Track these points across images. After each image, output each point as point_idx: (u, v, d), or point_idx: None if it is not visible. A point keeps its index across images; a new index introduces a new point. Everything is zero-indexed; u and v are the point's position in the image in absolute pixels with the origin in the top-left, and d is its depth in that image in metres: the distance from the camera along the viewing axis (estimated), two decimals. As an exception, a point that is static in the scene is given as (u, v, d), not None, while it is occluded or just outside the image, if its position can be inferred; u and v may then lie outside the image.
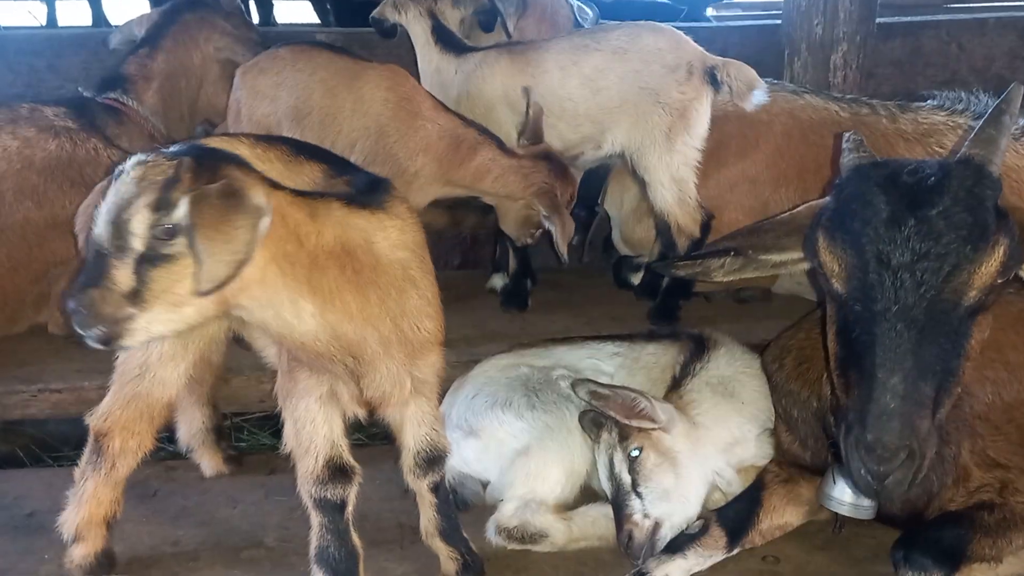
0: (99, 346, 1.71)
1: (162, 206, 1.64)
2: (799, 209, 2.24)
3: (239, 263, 1.63)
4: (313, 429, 2.02)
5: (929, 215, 1.85)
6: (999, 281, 1.89)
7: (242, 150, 2.11)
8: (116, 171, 1.72)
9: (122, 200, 1.66)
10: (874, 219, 1.88)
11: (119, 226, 1.65)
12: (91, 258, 1.71)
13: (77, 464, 2.89)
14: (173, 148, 1.78)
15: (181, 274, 1.66)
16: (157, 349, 2.17)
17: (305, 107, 3.15)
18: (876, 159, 2.07)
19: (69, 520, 2.26)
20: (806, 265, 2.18)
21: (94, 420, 2.25)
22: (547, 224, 3.22)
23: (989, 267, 1.85)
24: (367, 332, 1.92)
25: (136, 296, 1.65)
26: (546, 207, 3.13)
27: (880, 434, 1.77)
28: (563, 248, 3.18)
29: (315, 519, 2.07)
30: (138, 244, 1.65)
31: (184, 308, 1.69)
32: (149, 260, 1.65)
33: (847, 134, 2.14)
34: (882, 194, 1.91)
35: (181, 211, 1.63)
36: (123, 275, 1.65)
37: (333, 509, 2.05)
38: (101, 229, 1.67)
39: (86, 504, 2.25)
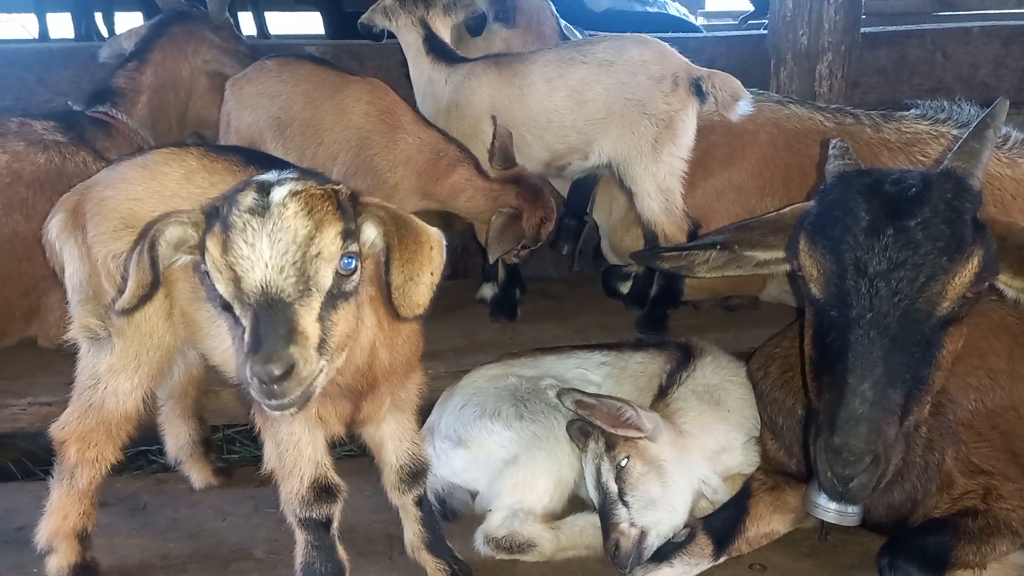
0: (290, 412, 1.52)
1: (348, 236, 1.53)
2: (785, 210, 2.27)
3: (436, 285, 1.56)
4: (298, 452, 1.99)
5: (908, 225, 1.88)
6: (972, 293, 1.92)
7: (190, 161, 2.13)
8: (243, 210, 1.52)
9: (301, 237, 1.49)
10: (854, 227, 1.91)
11: (304, 266, 1.48)
12: (264, 315, 1.48)
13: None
14: (284, 175, 1.62)
15: (353, 313, 1.57)
16: (106, 360, 2.16)
17: (287, 117, 3.20)
18: (860, 167, 2.10)
19: (41, 531, 2.27)
20: (788, 267, 2.21)
21: (54, 429, 2.25)
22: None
23: (963, 278, 1.88)
24: (383, 353, 1.91)
25: (322, 345, 1.50)
26: (492, 228, 3.11)
27: (847, 438, 1.80)
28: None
29: (300, 536, 2.06)
30: (327, 282, 1.51)
31: (346, 350, 1.59)
32: (333, 300, 1.52)
33: (833, 141, 2.18)
34: (863, 202, 1.94)
35: (370, 235, 1.55)
36: (312, 324, 1.49)
37: (319, 527, 2.05)
38: (276, 276, 1.48)
39: (53, 515, 2.26)
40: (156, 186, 2.12)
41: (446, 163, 3.18)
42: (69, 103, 3.58)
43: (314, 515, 2.03)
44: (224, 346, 2.09)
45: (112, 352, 2.16)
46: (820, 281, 1.97)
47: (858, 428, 1.80)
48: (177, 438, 2.71)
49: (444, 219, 3.91)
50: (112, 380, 2.17)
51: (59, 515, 2.25)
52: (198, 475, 2.75)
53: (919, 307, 1.87)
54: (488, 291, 3.85)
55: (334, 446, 3.16)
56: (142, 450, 3.07)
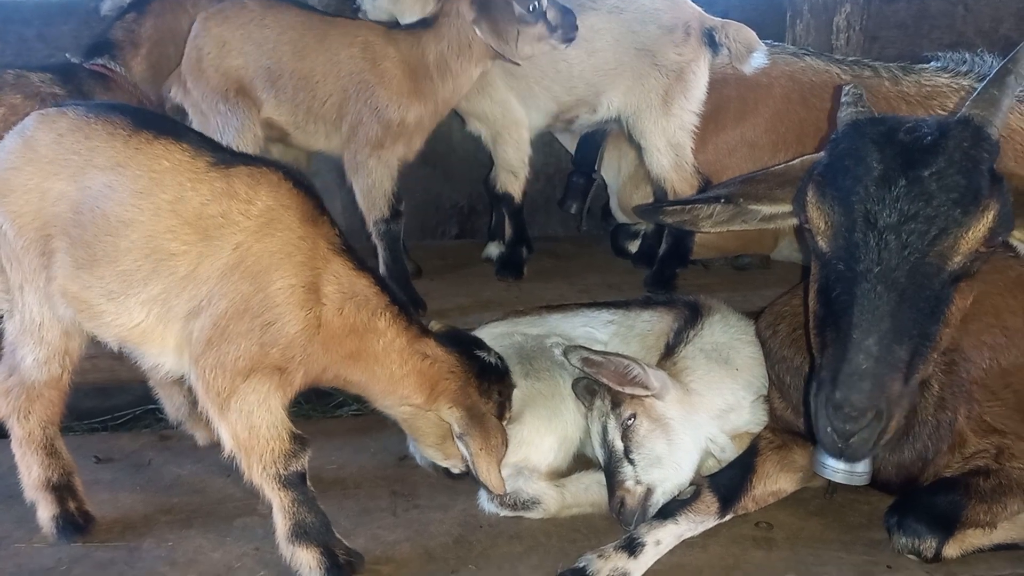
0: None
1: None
2: (794, 162, 2.20)
3: None
4: (270, 413, 2.01)
5: (921, 176, 1.81)
6: (986, 248, 1.85)
7: (62, 123, 2.08)
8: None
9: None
10: (865, 176, 1.85)
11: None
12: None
13: (73, 431, 2.94)
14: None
15: None
16: (13, 329, 2.20)
17: (277, 69, 3.12)
18: (874, 114, 2.02)
19: (23, 486, 2.31)
20: (796, 221, 2.15)
21: None
22: None
23: (977, 232, 1.81)
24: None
25: None
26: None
27: (849, 393, 1.75)
28: None
29: (284, 498, 2.05)
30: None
31: None
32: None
33: (846, 87, 2.10)
34: (876, 151, 1.87)
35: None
36: None
37: (300, 480, 2.06)
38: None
39: (22, 470, 2.29)
40: (29, 153, 2.09)
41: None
42: (67, 56, 3.51)
43: (298, 467, 2.04)
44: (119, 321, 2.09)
45: (14, 322, 2.20)
46: (827, 234, 1.91)
47: (861, 384, 1.75)
48: (172, 400, 2.72)
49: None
50: (22, 348, 2.21)
51: (25, 468, 2.28)
52: (202, 433, 2.75)
53: (930, 262, 1.80)
54: (494, 249, 3.81)
55: (341, 406, 3.21)
56: (148, 408, 3.07)
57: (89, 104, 2.23)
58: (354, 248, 2.14)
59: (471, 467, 2.20)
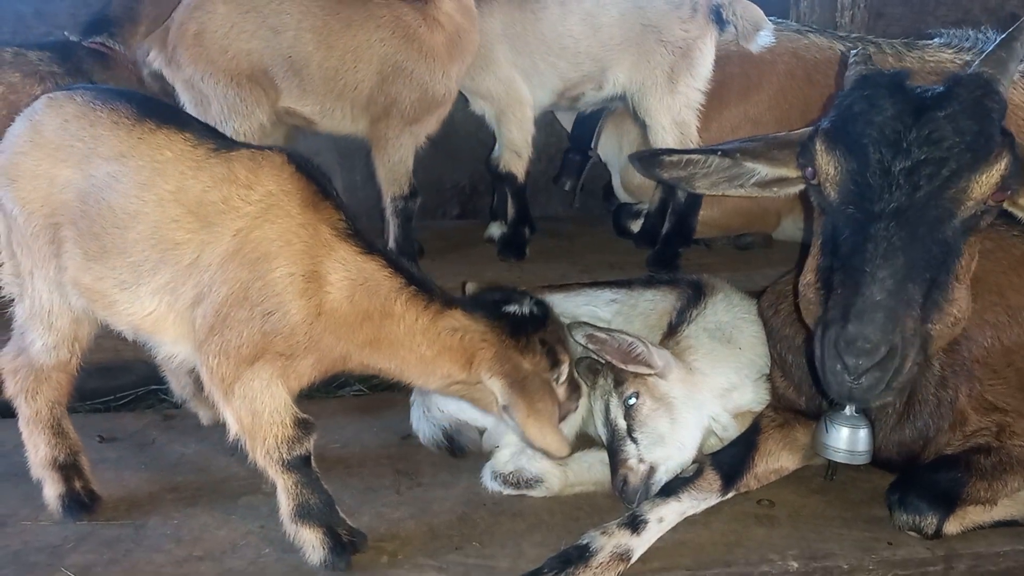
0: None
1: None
2: (797, 131, 2.19)
3: None
4: (273, 399, 2.00)
5: (936, 116, 1.81)
6: (995, 201, 1.85)
7: (68, 108, 2.07)
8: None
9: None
10: (877, 118, 1.84)
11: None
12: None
13: (76, 411, 2.94)
14: None
15: None
16: (23, 312, 2.20)
17: (301, 59, 2.99)
18: (883, 70, 2.02)
19: (30, 464, 2.32)
20: (794, 189, 2.14)
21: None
22: None
23: (989, 178, 1.81)
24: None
25: None
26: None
27: (863, 326, 1.70)
28: None
29: (288, 481, 2.05)
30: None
31: None
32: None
33: (854, 50, 2.10)
34: (888, 95, 1.87)
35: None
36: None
37: (305, 463, 2.05)
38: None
39: (29, 448, 2.31)
40: (36, 137, 2.09)
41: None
42: (65, 34, 3.49)
43: (302, 452, 2.04)
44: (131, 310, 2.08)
45: (23, 306, 2.20)
46: (837, 180, 1.90)
47: (876, 315, 1.70)
48: (179, 379, 2.72)
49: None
50: (31, 332, 2.21)
51: (32, 447, 2.29)
52: (205, 412, 2.76)
53: (943, 203, 1.79)
54: (496, 230, 3.80)
55: (344, 386, 3.21)
56: (152, 389, 3.08)
57: (97, 89, 2.19)
58: (363, 231, 2.07)
59: (523, 438, 2.10)
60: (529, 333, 2.07)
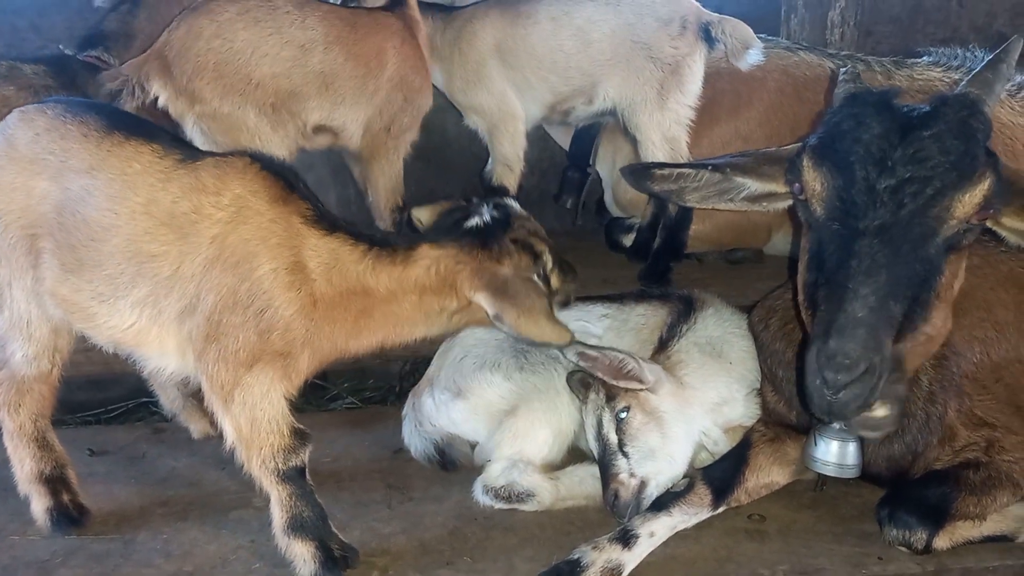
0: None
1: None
2: (786, 147, 2.21)
3: None
4: (272, 407, 2.01)
5: (921, 136, 1.83)
6: (978, 220, 1.87)
7: (40, 122, 2.08)
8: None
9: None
10: (864, 136, 1.86)
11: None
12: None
13: (67, 424, 2.94)
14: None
15: None
16: (3, 324, 2.20)
17: (331, 73, 2.99)
18: (871, 88, 2.04)
19: (16, 480, 2.32)
20: (782, 204, 2.16)
21: None
22: None
23: (973, 197, 1.83)
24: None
25: None
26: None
27: (844, 342, 1.72)
28: None
29: (282, 492, 2.06)
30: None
31: None
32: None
33: (843, 68, 2.13)
34: (875, 114, 1.89)
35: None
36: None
37: (299, 475, 2.06)
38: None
39: (14, 463, 2.30)
40: (10, 151, 2.10)
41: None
42: (60, 47, 3.50)
43: (297, 463, 2.04)
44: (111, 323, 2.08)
45: (3, 318, 2.20)
46: (823, 196, 1.92)
47: (857, 331, 1.73)
48: (167, 392, 2.72)
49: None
50: (11, 344, 2.21)
51: (17, 462, 2.29)
52: (195, 425, 2.76)
53: (926, 222, 1.81)
54: (489, 243, 3.81)
55: (335, 399, 3.21)
56: (142, 401, 3.07)
57: (68, 102, 2.21)
58: (326, 214, 2.07)
59: (522, 340, 2.09)
60: (499, 238, 2.08)
